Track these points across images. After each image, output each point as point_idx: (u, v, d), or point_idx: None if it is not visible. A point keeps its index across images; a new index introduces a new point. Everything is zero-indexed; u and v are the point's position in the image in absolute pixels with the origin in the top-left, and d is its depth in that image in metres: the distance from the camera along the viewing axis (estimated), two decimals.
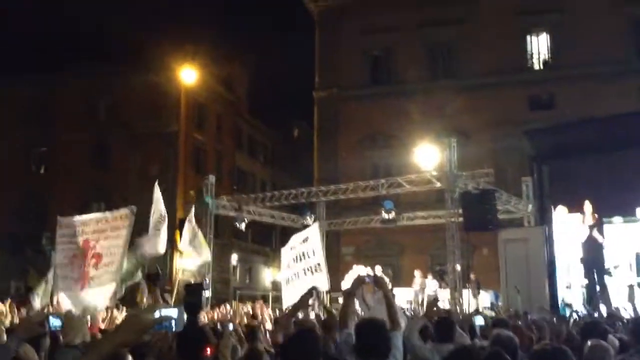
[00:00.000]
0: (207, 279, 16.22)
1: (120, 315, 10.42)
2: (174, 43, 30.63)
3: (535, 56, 28.09)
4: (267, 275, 38.66)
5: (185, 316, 2.13)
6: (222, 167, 36.01)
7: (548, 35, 27.68)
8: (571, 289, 14.07)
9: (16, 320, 8.37)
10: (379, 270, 18.83)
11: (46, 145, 34.48)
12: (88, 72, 33.36)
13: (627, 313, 10.55)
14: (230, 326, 5.66)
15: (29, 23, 48.45)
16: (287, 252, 11.97)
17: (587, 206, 13.61)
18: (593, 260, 13.33)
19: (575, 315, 9.99)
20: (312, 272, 10.67)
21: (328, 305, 13.93)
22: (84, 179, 32.02)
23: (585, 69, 25.39)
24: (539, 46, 28.01)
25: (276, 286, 25.46)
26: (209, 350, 4.04)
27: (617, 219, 14.36)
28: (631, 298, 12.07)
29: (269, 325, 8.51)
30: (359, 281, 5.13)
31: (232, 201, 20.27)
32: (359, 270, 16.90)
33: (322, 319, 7.34)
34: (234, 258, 36.27)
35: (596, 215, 13.45)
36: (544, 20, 27.34)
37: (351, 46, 29.47)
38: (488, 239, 18.96)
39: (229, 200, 20.53)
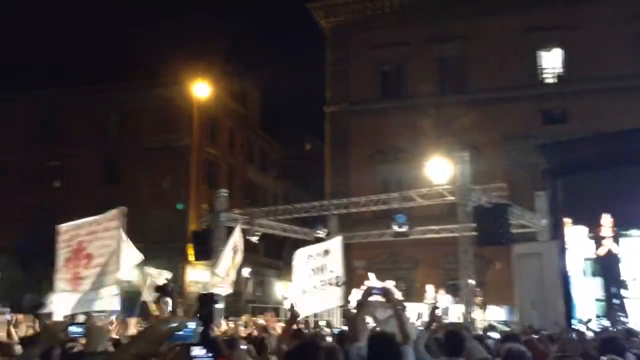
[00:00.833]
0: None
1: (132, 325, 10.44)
2: (186, 58, 30.94)
3: (547, 71, 28.02)
4: (278, 288, 38.58)
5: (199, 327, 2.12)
6: (234, 181, 36.14)
7: (560, 50, 27.62)
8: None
9: (30, 331, 8.41)
10: (390, 284, 18.73)
11: (59, 159, 34.79)
12: (101, 87, 33.76)
13: None
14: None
15: (44, 39, 49.16)
16: (304, 262, 11.90)
17: (606, 218, 13.50)
18: (610, 273, 13.20)
19: (591, 330, 9.86)
20: (333, 285, 10.62)
21: (347, 309, 13.76)
22: (96, 192, 32.23)
23: (598, 83, 25.27)
24: (551, 61, 27.95)
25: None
26: None
27: (636, 232, 14.23)
28: None
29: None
30: (368, 292, 5.12)
31: (244, 214, 20.31)
32: (370, 284, 16.81)
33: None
34: (246, 271, 36.24)
35: (614, 229, 13.36)
36: (555, 35, 27.29)
37: (362, 61, 29.60)
38: (501, 253, 18.83)
39: (240, 213, 20.57)
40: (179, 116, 33.07)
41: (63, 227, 9.36)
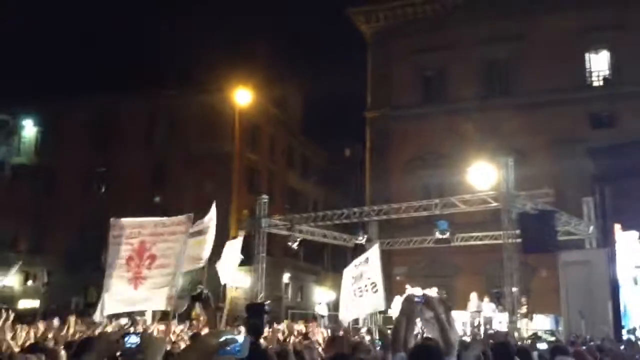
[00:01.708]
0: (268, 300, 16.31)
1: (177, 329, 10.52)
2: (229, 65, 31.30)
3: (595, 74, 27.27)
4: (318, 294, 38.55)
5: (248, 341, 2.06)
6: (274, 186, 36.32)
7: (608, 53, 26.86)
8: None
9: (71, 331, 8.52)
10: (434, 291, 18.47)
11: (106, 165, 35.65)
12: (147, 95, 34.48)
13: None
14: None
15: (92, 46, 50.56)
16: (350, 270, 12.06)
17: None
18: None
19: None
20: (369, 291, 10.65)
21: (381, 325, 13.76)
22: (142, 198, 32.87)
23: None
24: (599, 63, 27.19)
25: (329, 306, 25.31)
26: None
27: None
28: None
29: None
30: (410, 301, 5.00)
31: (285, 220, 20.39)
32: (412, 291, 16.63)
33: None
34: (286, 276, 36.35)
35: None
36: (604, 37, 26.56)
37: (403, 66, 29.41)
38: (547, 261, 18.35)
39: (280, 219, 20.66)
40: (221, 123, 33.46)
41: (122, 221, 9.38)
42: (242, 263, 21.08)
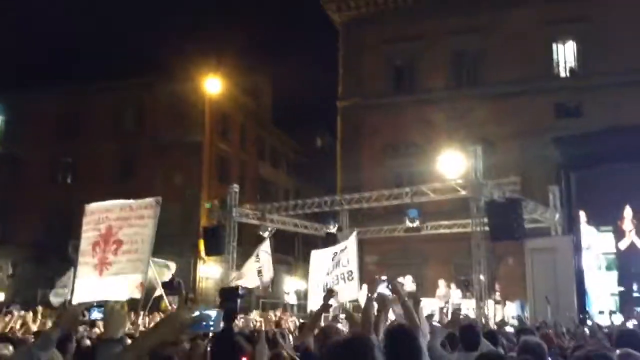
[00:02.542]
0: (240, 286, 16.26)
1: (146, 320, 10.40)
2: (198, 53, 30.95)
3: (561, 64, 27.75)
4: (289, 284, 38.57)
5: (221, 322, 2.08)
6: (245, 176, 36.17)
7: (574, 43, 27.35)
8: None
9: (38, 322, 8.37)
10: (409, 280, 18.68)
11: (73, 155, 35.01)
12: (115, 83, 33.86)
13: None
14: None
15: (57, 36, 49.46)
16: (326, 257, 11.97)
17: (627, 211, 13.38)
18: (628, 266, 13.07)
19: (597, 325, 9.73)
20: (344, 280, 10.65)
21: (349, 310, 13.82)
22: (109, 188, 32.35)
23: (613, 77, 24.98)
24: (566, 54, 27.67)
25: (299, 295, 25.37)
26: None
27: None
28: None
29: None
30: (375, 283, 5.09)
31: (256, 210, 20.33)
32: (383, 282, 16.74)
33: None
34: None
35: (635, 221, 13.23)
36: (571, 28, 27.02)
37: (374, 55, 29.48)
38: (513, 249, 18.69)
39: (251, 209, 20.59)
40: (191, 112, 33.13)
41: (91, 206, 9.10)
42: (212, 253, 21.04)
